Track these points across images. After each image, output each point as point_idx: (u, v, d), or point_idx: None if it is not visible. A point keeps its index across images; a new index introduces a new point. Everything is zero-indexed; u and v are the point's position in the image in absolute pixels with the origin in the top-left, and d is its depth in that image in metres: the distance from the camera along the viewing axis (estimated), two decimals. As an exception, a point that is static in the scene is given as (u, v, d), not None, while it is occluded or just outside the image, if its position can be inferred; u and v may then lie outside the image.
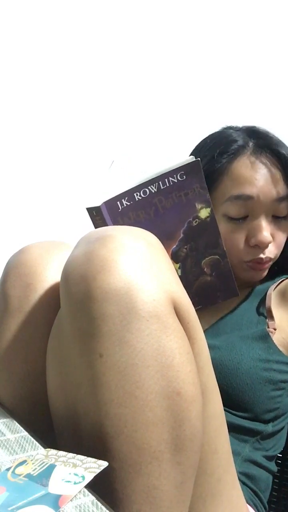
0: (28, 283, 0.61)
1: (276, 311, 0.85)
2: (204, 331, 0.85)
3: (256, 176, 0.84)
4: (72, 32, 1.52)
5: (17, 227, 1.44)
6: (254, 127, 0.92)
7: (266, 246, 0.84)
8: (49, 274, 0.62)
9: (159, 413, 0.47)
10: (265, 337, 0.79)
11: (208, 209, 0.71)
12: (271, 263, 0.88)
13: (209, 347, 0.58)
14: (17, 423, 0.54)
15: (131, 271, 0.48)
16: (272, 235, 0.85)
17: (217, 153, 0.87)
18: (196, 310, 0.55)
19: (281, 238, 0.87)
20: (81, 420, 0.49)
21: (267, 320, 0.83)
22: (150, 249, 0.51)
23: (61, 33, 1.51)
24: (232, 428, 0.73)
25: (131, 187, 0.67)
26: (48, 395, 0.56)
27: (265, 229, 0.84)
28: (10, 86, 1.47)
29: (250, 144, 0.87)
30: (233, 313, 0.87)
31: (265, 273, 0.89)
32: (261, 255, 0.84)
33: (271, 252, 0.86)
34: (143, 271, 0.48)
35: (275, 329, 0.81)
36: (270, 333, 0.80)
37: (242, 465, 0.75)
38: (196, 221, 0.71)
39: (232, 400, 0.75)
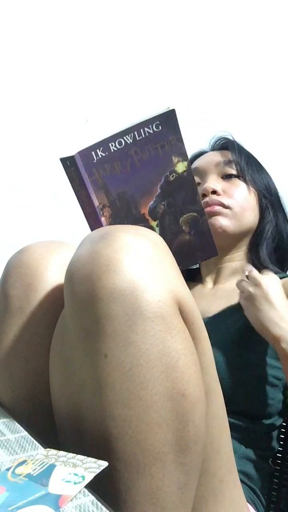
0: (29, 283, 0.61)
1: None
2: None
3: (207, 154, 1.03)
4: (71, 32, 1.52)
5: (17, 227, 1.44)
6: None
7: (209, 193, 0.95)
8: (50, 274, 0.61)
9: (163, 414, 0.47)
10: (259, 337, 0.79)
11: (185, 163, 0.70)
12: (227, 211, 0.95)
13: None
14: (17, 423, 0.54)
15: (136, 271, 0.48)
16: (225, 190, 0.97)
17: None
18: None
19: (233, 190, 0.97)
20: (84, 420, 0.48)
21: None
22: (154, 248, 0.51)
23: (61, 33, 1.51)
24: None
25: (106, 137, 0.65)
26: (51, 394, 0.55)
27: (209, 182, 0.97)
28: (7, 90, 1.47)
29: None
30: (228, 312, 0.88)
31: (223, 221, 0.94)
32: (207, 199, 0.95)
33: (221, 198, 0.95)
34: (148, 271, 0.48)
35: None
36: None
37: (239, 462, 0.75)
38: (173, 175, 0.69)
39: (226, 398, 0.76)
